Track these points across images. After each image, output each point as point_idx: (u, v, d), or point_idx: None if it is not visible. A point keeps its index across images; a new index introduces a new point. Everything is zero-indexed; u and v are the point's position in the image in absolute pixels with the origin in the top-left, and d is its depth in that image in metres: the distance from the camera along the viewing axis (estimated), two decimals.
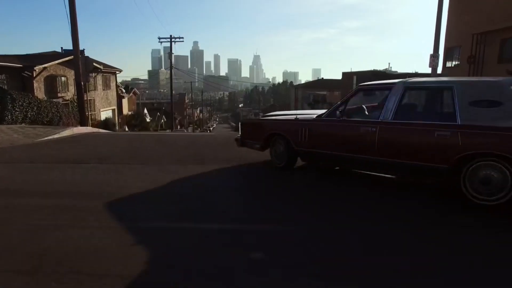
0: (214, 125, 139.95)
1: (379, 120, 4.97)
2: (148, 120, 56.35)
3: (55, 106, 17.24)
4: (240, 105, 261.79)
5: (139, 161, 7.46)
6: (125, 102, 45.39)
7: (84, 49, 16.81)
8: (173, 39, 38.56)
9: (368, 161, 5.13)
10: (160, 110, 73.71)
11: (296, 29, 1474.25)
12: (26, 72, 18.69)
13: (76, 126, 15.81)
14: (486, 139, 4.07)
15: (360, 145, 5.17)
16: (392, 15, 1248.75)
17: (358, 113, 5.41)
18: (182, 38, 38.79)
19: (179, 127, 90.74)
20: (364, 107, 5.30)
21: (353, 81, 36.30)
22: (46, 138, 11.44)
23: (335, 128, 5.63)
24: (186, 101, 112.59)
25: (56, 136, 12.36)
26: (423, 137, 4.52)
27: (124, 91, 46.50)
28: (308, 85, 58.64)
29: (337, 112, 5.51)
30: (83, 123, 15.99)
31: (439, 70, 18.13)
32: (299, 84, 62.77)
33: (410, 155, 4.65)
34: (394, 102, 4.91)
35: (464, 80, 4.95)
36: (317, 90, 54.36)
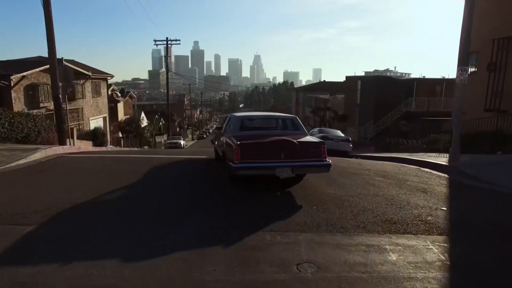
0: (214, 127, 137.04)
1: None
2: (145, 124, 54.58)
3: (32, 120, 15.37)
4: (240, 105, 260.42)
5: (105, 221, 5.60)
6: (120, 106, 43.60)
7: (62, 57, 14.97)
8: (169, 41, 36.84)
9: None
10: (158, 113, 71.92)
11: (296, 29, 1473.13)
12: (2, 81, 16.90)
13: (52, 145, 14.01)
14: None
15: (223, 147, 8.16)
16: (392, 15, 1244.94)
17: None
18: (179, 40, 37.01)
19: (178, 129, 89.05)
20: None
21: (357, 85, 34.51)
22: (4, 166, 9.61)
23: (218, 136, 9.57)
24: (186, 102, 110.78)
25: (21, 161, 10.49)
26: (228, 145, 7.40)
27: (119, 94, 44.73)
28: (310, 88, 56.83)
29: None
30: (61, 141, 14.18)
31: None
32: (300, 87, 60.93)
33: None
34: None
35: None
36: (318, 93, 52.54)
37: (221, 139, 8.57)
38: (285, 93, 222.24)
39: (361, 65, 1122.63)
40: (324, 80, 59.75)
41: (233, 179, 7.26)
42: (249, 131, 7.83)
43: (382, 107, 29.16)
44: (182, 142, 41.17)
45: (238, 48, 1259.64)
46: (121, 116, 43.03)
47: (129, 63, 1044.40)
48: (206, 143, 55.44)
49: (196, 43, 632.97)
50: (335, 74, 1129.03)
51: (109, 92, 41.96)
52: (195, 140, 70.49)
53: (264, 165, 6.51)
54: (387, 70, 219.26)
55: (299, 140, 6.84)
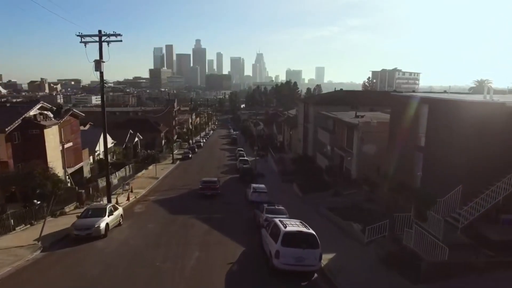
0: (211, 132, 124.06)
1: None
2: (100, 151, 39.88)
3: None
4: (242, 106, 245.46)
5: None
6: (52, 133, 28.94)
7: None
8: (104, 37, 22.18)
9: None
10: (131, 127, 56.77)
11: (299, 27, 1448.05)
12: None
13: None
14: None
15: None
16: (396, 13, 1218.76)
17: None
18: (120, 35, 22.34)
19: (163, 141, 74.29)
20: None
21: (420, 109, 19.58)
22: None
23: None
24: (177, 108, 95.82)
25: None
26: None
27: (51, 116, 30.10)
28: (323, 100, 41.85)
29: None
30: None
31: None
32: (310, 98, 45.99)
33: None
34: None
35: None
36: (335, 108, 37.77)
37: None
38: (288, 93, 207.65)
39: (365, 64, 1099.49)
40: (342, 89, 45.01)
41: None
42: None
43: (484, 162, 14.45)
44: (104, 222, 17.96)
45: (241, 46, 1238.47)
46: (52, 150, 28.42)
47: (131, 61, 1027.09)
48: (193, 170, 39.63)
49: (198, 41, 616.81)
50: (339, 73, 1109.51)
51: (30, 113, 27.59)
52: (177, 162, 53.17)
53: None
54: (396, 69, 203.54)
55: None
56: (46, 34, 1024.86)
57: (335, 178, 30.24)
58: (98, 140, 42.87)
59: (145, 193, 31.87)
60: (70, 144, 33.02)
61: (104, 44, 22.41)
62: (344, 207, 22.33)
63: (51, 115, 30.39)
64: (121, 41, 22.47)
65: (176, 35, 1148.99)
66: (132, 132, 56.79)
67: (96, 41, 22.21)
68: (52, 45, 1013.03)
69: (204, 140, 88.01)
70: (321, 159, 35.55)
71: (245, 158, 47.71)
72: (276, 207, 19.75)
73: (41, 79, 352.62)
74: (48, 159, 28.19)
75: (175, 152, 65.34)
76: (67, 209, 23.44)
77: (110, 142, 46.77)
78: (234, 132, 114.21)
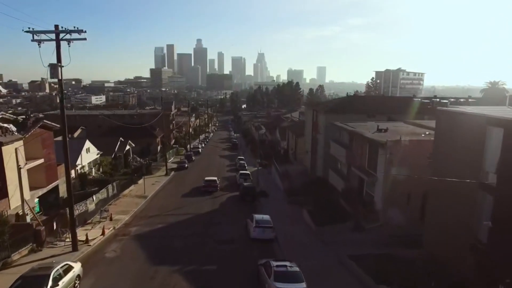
0: (211, 135, 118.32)
1: None
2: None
3: None
4: (243, 106, 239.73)
5: None
6: (12, 151, 23.68)
7: None
8: (63, 34, 16.96)
9: None
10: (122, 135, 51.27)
11: (300, 27, 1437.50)
12: None
13: None
14: None
15: None
16: (397, 12, 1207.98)
17: None
18: (83, 32, 17.06)
19: (159, 147, 69.05)
20: None
21: (491, 134, 14.26)
22: None
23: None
24: (174, 111, 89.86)
25: None
26: None
27: (13, 129, 24.79)
28: (336, 107, 36.37)
29: None
30: None
31: None
32: (320, 104, 40.75)
33: None
34: None
35: None
36: (349, 117, 32.48)
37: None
38: (290, 93, 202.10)
39: (367, 63, 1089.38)
40: (356, 93, 39.55)
41: None
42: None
43: None
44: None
45: (242, 46, 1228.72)
46: (11, 172, 23.20)
47: (133, 61, 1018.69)
48: (187, 185, 33.66)
49: (199, 41, 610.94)
50: (341, 73, 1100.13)
51: None
52: (171, 173, 47.17)
53: None
54: (400, 69, 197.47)
55: None
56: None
57: (354, 205, 24.92)
58: (81, 152, 37.65)
59: (127, 221, 26.60)
60: (40, 161, 27.81)
61: (64, 44, 17.16)
62: (373, 257, 17.05)
63: (14, 129, 25.11)
64: (85, 39, 17.19)
65: (177, 35, 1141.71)
66: (123, 139, 51.48)
67: (52, 39, 16.94)
68: (52, 44, 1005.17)
69: (203, 145, 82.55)
70: (334, 178, 30.21)
71: (246, 171, 42.34)
72: (289, 268, 14.39)
73: (42, 78, 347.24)
74: (8, 183, 23.16)
75: (171, 160, 60.09)
76: (16, 255, 18.08)
77: (95, 153, 41.59)
78: (235, 135, 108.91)
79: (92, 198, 27.14)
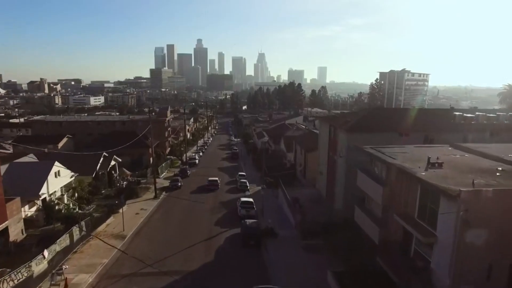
0: (210, 140, 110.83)
1: None
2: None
3: None
4: (244, 107, 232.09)
5: None
6: None
7: None
8: None
9: None
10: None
11: (301, 26, 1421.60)
12: None
13: None
14: None
15: None
16: (398, 12, 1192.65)
17: None
18: None
19: (152, 159, 61.78)
20: None
21: None
22: None
23: None
24: (170, 115, 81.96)
25: None
26: None
27: None
28: (359, 125, 29.03)
29: None
30: None
31: None
32: (339, 119, 33.65)
33: None
34: None
35: None
36: (378, 137, 25.46)
37: None
38: (292, 95, 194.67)
39: (368, 64, 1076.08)
40: (384, 106, 32.59)
41: None
42: None
43: None
44: None
45: (243, 46, 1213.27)
46: None
47: (133, 61, 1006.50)
48: (178, 218, 25.73)
49: (199, 41, 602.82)
50: (342, 73, 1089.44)
51: None
52: (161, 195, 40.34)
53: None
54: (404, 70, 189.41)
55: None
56: (46, 33, 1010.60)
57: (400, 271, 17.79)
58: (47, 178, 30.52)
59: (91, 284, 19.53)
60: None
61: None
62: None
63: None
64: None
65: (177, 35, 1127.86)
66: (106, 155, 44.20)
67: None
68: (52, 44, 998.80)
69: (201, 154, 75.16)
70: (363, 219, 23.09)
71: (249, 199, 35.06)
72: None
73: (41, 79, 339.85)
74: None
75: (163, 175, 52.91)
76: None
77: (68, 176, 34.44)
78: (235, 140, 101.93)
79: (43, 254, 19.90)
